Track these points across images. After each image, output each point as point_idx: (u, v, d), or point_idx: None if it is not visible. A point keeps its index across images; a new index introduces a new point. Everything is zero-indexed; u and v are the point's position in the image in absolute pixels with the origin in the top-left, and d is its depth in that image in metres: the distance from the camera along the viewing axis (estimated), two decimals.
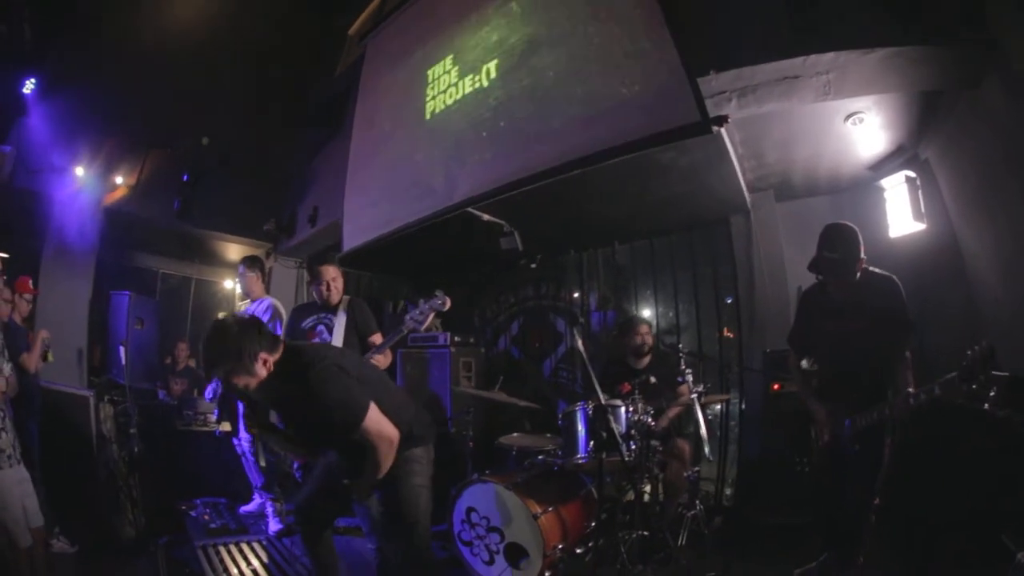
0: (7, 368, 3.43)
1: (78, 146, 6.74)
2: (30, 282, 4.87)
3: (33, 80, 6.35)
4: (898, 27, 3.51)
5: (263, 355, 2.35)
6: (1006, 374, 2.36)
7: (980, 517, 2.54)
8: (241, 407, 4.52)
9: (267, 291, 5.30)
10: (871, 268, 3.17)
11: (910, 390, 2.69)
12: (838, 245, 3.11)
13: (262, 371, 2.37)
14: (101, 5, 6.85)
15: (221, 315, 2.73)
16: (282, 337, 3.69)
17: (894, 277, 3.14)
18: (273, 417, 2.78)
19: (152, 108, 7.09)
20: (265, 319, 4.79)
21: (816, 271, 3.22)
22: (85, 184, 6.78)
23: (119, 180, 7.05)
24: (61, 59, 6.64)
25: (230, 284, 9.08)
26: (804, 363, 3.54)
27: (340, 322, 4.11)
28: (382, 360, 3.81)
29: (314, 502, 2.87)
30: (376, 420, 2.43)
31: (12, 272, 4.58)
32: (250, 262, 5.09)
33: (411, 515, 2.61)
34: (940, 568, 2.65)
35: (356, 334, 4.15)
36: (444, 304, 3.54)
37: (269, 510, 4.58)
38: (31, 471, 3.40)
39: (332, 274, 4.14)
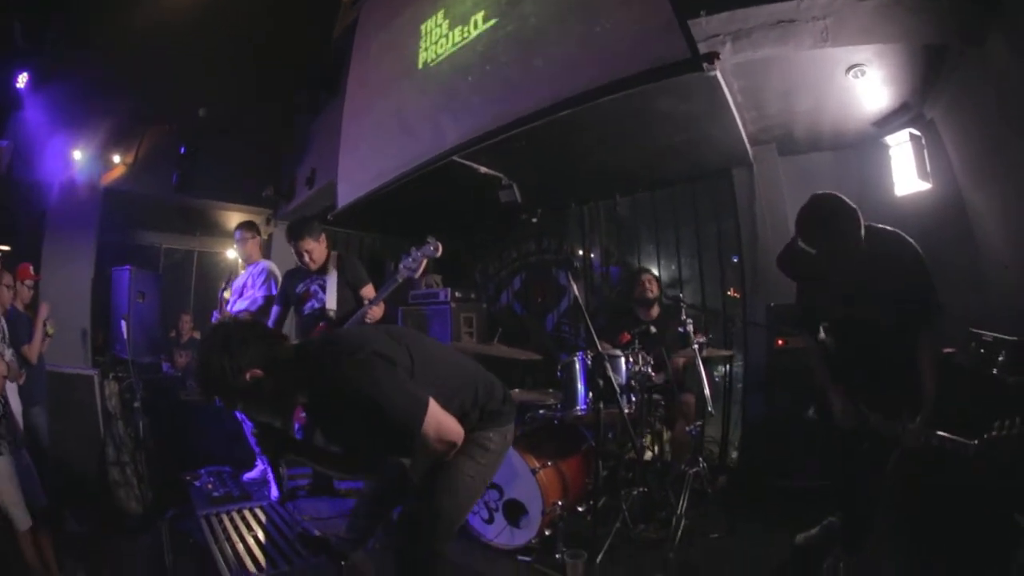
0: (8, 353, 3.43)
1: (74, 130, 6.76)
2: (31, 268, 4.87)
3: (25, 74, 6.46)
4: None
5: (254, 371, 1.92)
6: (1015, 338, 2.26)
7: (991, 496, 2.30)
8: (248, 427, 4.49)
9: (268, 256, 5.31)
10: (878, 226, 2.61)
11: (926, 423, 2.36)
12: (817, 237, 2.55)
13: (254, 384, 1.94)
14: None
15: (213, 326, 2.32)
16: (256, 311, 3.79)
17: (910, 241, 2.60)
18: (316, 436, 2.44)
19: (146, 83, 7.01)
20: (260, 281, 4.93)
21: (787, 266, 2.81)
22: (83, 166, 6.80)
23: (116, 159, 7.06)
24: (54, 45, 6.67)
25: (232, 254, 9.04)
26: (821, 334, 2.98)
27: (332, 280, 4.22)
28: (377, 312, 3.86)
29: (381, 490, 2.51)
30: (438, 422, 1.97)
31: (12, 264, 4.56)
32: (246, 226, 5.17)
33: (441, 502, 2.13)
34: (949, 554, 2.47)
35: (349, 288, 4.25)
36: (436, 250, 3.48)
37: (271, 476, 4.57)
38: (40, 456, 3.41)
39: (307, 245, 4.23)
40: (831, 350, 2.87)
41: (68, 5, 6.76)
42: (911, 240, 2.59)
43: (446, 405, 2.03)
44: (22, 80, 6.44)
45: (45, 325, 4.54)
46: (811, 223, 2.56)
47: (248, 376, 1.91)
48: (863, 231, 2.48)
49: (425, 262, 3.59)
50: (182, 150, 7.23)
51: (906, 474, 2.52)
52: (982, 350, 2.32)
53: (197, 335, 7.43)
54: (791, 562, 3.25)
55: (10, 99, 6.42)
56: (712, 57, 3.47)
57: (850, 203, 2.50)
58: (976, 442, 2.15)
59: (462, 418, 2.09)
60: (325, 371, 1.98)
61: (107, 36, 6.79)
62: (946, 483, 2.45)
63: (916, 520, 2.60)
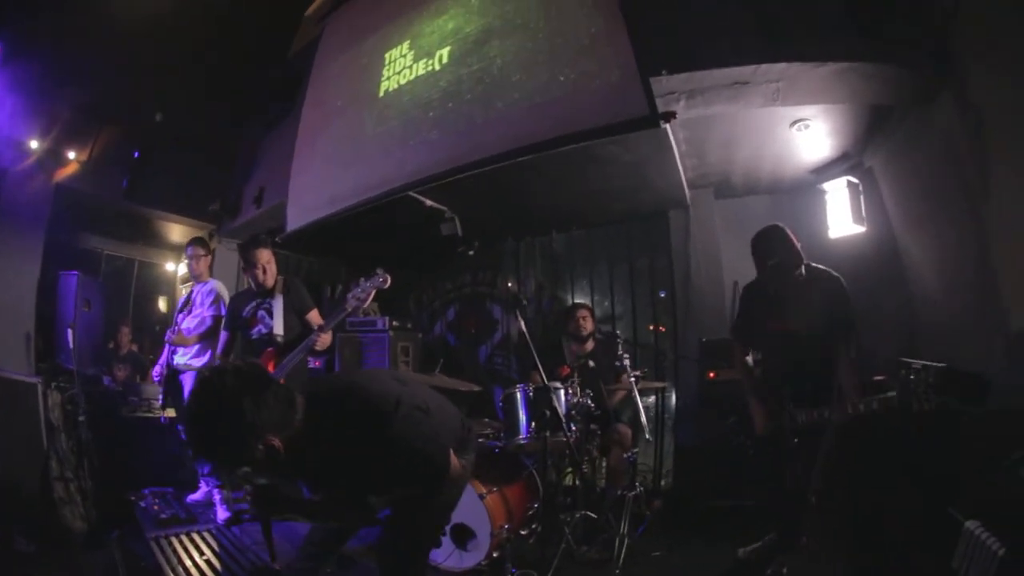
0: None
1: (33, 118, 6.45)
2: None
3: None
4: (858, 42, 3.52)
5: (268, 439, 1.73)
6: (942, 364, 2.62)
7: (922, 494, 2.63)
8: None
9: (211, 273, 5.27)
10: (814, 264, 3.27)
11: (852, 400, 2.86)
12: (776, 250, 3.22)
13: (268, 461, 1.76)
14: None
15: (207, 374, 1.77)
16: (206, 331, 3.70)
17: (839, 277, 3.24)
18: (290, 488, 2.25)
19: (106, 81, 6.81)
20: (208, 300, 4.90)
21: (770, 284, 3.33)
22: (39, 158, 6.50)
23: (71, 155, 6.76)
24: (17, 28, 6.29)
25: (172, 267, 8.86)
26: (749, 357, 3.62)
27: (278, 304, 4.17)
28: (326, 339, 3.88)
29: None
30: (452, 465, 2.03)
31: None
32: (199, 243, 5.18)
33: (419, 532, 2.21)
34: (884, 547, 2.74)
35: (294, 313, 4.22)
36: (385, 282, 3.60)
37: (216, 498, 4.55)
38: None
39: (266, 257, 4.24)
40: (762, 365, 3.51)
41: None
42: (843, 280, 3.23)
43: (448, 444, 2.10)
44: None
45: None
46: (763, 239, 3.29)
47: (263, 447, 1.72)
48: (802, 257, 3.19)
49: (373, 293, 3.69)
50: (135, 154, 7.04)
51: (839, 454, 2.96)
52: (912, 376, 2.65)
53: (135, 348, 7.26)
54: (735, 573, 3.47)
55: None
56: (670, 116, 3.67)
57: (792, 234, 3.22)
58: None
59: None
60: (363, 430, 1.88)
61: (73, 22, 6.51)
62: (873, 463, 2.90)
63: (857, 519, 2.90)
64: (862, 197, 4.54)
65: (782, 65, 3.65)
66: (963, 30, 3.38)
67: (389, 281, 3.63)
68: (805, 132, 4.30)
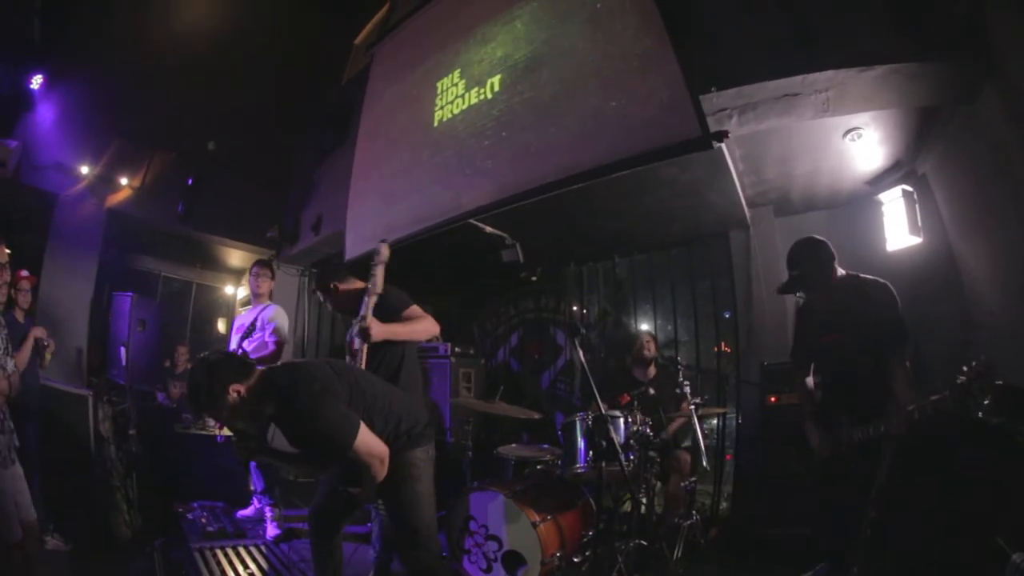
0: (10, 365, 3.40)
1: (84, 144, 6.76)
2: (24, 272, 4.88)
3: (40, 76, 6.34)
4: (899, 43, 3.50)
5: (234, 386, 2.42)
6: (999, 382, 2.42)
7: (974, 522, 2.55)
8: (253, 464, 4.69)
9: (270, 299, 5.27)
10: (861, 275, 3.12)
11: (909, 408, 2.65)
12: (797, 261, 3.17)
13: (235, 399, 2.42)
14: (110, 4, 6.89)
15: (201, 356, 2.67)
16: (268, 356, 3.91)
17: (887, 283, 3.05)
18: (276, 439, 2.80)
19: (158, 109, 7.13)
20: (270, 329, 4.84)
21: (787, 292, 3.29)
22: (90, 183, 6.80)
23: (124, 181, 7.07)
24: (69, 55, 6.64)
25: (231, 290, 9.08)
26: (810, 380, 3.41)
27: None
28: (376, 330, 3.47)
29: (325, 506, 2.92)
30: (365, 442, 2.48)
31: (14, 269, 4.60)
32: (265, 264, 5.20)
33: (413, 520, 2.68)
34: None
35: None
36: (381, 253, 3.44)
37: (268, 515, 4.59)
38: (28, 468, 3.39)
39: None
40: (821, 387, 3.30)
41: (87, 12, 6.76)
42: (891, 287, 3.02)
43: (372, 428, 2.53)
44: (36, 81, 6.32)
45: (39, 342, 4.56)
46: (791, 250, 3.23)
47: (231, 391, 2.40)
48: (831, 269, 3.10)
49: (381, 268, 3.44)
50: (189, 181, 7.27)
51: (898, 476, 2.79)
52: (968, 395, 2.49)
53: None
54: None
55: (23, 99, 6.31)
56: (722, 136, 3.65)
57: (825, 243, 3.14)
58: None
59: (392, 440, 2.62)
60: (287, 395, 2.45)
61: (123, 51, 6.88)
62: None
63: (905, 547, 2.79)
64: (917, 206, 4.40)
65: (829, 73, 3.65)
66: (998, 17, 3.28)
67: (385, 250, 3.47)
68: (858, 142, 4.23)
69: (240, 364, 2.56)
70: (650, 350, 4.87)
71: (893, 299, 3.01)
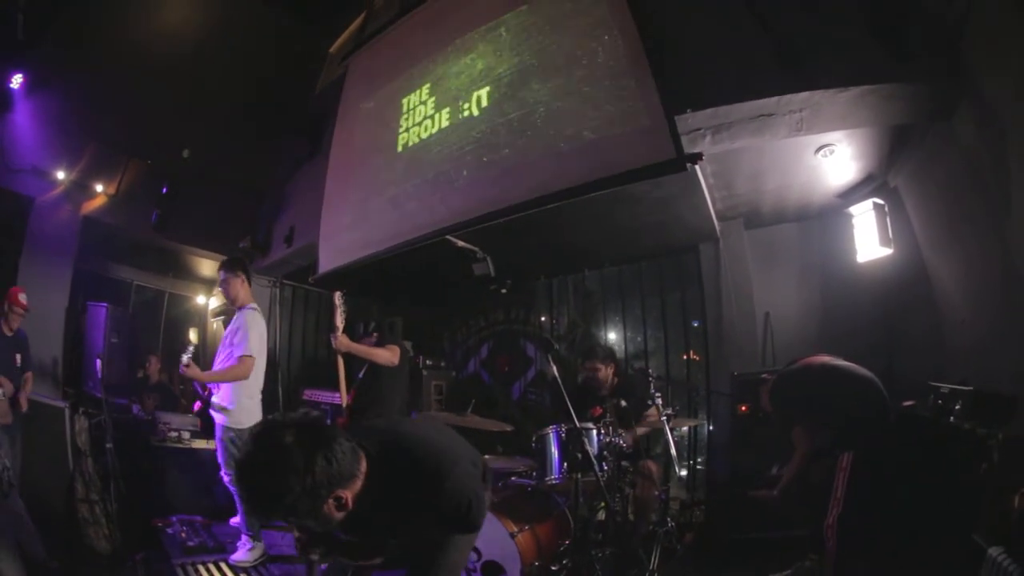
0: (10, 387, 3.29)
1: (60, 148, 6.65)
2: (22, 295, 4.89)
3: (20, 76, 6.18)
4: (876, 63, 3.53)
5: (337, 493, 1.70)
6: (970, 388, 2.57)
7: (948, 520, 2.62)
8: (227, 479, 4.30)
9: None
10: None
11: None
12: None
13: (335, 515, 1.74)
14: (89, 9, 6.76)
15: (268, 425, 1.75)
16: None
17: None
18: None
19: (134, 117, 7.05)
20: (235, 338, 4.38)
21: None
22: (66, 188, 6.70)
23: (99, 188, 6.98)
24: (48, 59, 6.51)
25: (203, 299, 8.99)
26: None
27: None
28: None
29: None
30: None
31: None
32: (228, 265, 4.57)
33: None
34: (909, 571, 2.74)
35: None
36: (335, 301, 4.36)
37: (242, 539, 4.24)
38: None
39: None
40: None
41: (69, 14, 6.60)
42: None
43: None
44: (16, 81, 6.13)
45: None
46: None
47: (331, 503, 1.70)
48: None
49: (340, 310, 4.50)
50: (164, 189, 7.20)
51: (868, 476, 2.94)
52: (940, 401, 2.62)
53: (165, 378, 7.32)
54: None
55: (1, 98, 6.12)
56: (696, 158, 3.75)
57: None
58: None
59: None
60: (418, 486, 1.89)
61: (102, 54, 6.76)
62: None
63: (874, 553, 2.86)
64: (888, 218, 4.49)
65: (805, 94, 3.70)
66: (975, 41, 3.34)
67: (337, 299, 4.51)
68: (830, 157, 4.32)
69: (346, 455, 1.73)
70: (597, 377, 4.59)
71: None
